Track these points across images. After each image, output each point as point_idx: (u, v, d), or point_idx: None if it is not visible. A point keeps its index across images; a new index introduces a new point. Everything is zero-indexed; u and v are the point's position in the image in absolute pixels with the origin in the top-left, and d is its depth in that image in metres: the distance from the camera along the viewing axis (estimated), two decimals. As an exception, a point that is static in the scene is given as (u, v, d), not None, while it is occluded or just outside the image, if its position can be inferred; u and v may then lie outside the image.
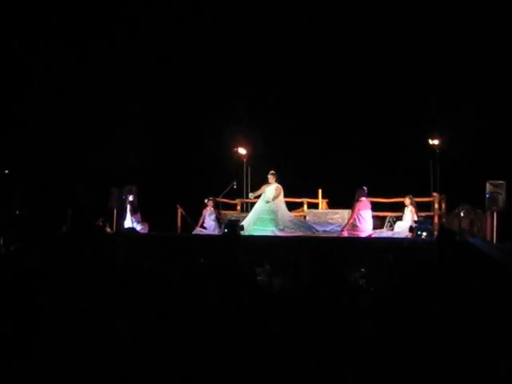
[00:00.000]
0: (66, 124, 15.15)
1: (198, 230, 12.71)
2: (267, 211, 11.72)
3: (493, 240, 10.56)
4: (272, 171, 11.99)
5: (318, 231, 11.50)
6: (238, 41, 14.98)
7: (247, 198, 13.84)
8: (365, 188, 11.34)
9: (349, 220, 11.35)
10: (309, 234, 11.35)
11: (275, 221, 11.58)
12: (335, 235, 11.20)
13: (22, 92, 15.18)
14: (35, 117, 15.06)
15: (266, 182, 12.11)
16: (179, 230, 13.22)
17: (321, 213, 12.79)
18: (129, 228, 12.40)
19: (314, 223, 11.99)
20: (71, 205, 12.96)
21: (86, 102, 15.21)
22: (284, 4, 14.79)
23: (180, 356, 2.65)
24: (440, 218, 11.87)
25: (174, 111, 15.62)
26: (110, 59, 15.13)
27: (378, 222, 12.30)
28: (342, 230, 11.24)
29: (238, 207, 13.89)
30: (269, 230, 11.45)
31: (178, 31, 15.31)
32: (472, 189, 11.53)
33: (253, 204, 12.77)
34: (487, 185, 10.94)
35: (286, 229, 11.48)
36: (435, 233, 10.74)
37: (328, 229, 11.57)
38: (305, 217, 12.88)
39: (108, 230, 11.76)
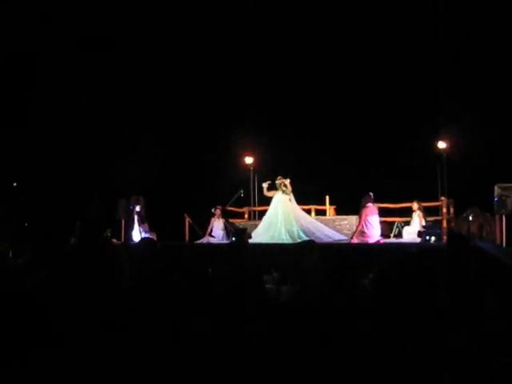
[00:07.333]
0: (74, 135, 15.22)
1: (206, 239, 12.71)
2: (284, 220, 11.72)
3: (502, 244, 10.47)
4: (280, 176, 12.05)
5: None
6: (246, 51, 15.02)
7: (254, 206, 13.84)
8: (371, 194, 11.28)
9: (357, 227, 11.28)
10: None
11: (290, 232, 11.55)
12: (345, 242, 11.14)
13: (30, 102, 15.28)
14: (42, 127, 15.12)
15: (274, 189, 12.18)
16: (187, 239, 13.22)
17: (329, 219, 12.74)
18: (144, 239, 12.38)
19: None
20: (80, 216, 13.03)
21: (93, 112, 15.27)
22: (297, 14, 14.83)
23: (187, 365, 2.64)
24: (448, 222, 11.79)
25: (181, 121, 15.65)
26: (119, 71, 15.18)
27: (387, 228, 12.24)
28: (352, 238, 11.18)
29: (246, 215, 13.89)
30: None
31: (184, 43, 15.36)
32: (480, 192, 11.44)
33: (261, 212, 12.74)
34: (495, 188, 10.83)
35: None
36: (444, 237, 10.67)
37: (335, 239, 11.48)
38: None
39: (114, 240, 11.75)
